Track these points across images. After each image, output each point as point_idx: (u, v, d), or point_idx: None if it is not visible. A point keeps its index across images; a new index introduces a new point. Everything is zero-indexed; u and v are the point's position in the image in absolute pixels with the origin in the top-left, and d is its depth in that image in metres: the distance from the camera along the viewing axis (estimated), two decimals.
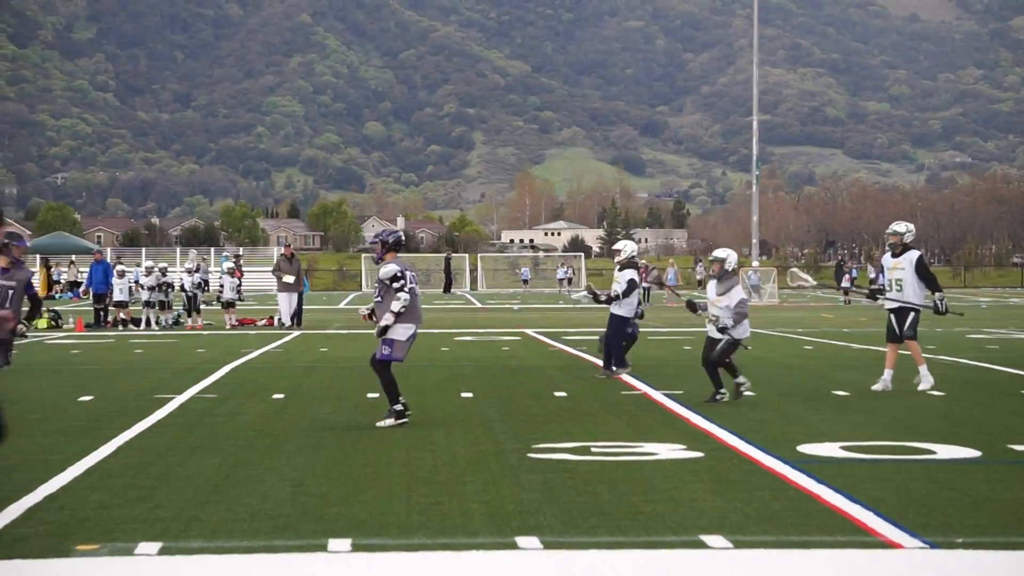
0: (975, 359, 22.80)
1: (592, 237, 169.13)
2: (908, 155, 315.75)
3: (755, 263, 69.59)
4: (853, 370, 20.96)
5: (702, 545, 7.93)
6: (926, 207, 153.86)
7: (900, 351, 17.78)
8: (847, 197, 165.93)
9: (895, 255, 17.61)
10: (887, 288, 17.76)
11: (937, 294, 17.30)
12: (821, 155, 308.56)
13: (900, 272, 17.52)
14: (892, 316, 17.70)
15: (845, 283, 66.90)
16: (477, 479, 10.40)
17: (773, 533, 8.28)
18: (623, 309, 19.73)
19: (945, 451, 11.79)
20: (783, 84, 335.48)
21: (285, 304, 35.72)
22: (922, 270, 17.31)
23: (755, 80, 71.19)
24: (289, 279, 35.56)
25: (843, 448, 11.96)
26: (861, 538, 8.13)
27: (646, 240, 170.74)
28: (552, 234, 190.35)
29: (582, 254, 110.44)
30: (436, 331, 32.24)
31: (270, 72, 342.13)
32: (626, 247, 19.92)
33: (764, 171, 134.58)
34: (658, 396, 16.60)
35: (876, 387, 17.47)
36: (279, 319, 36.00)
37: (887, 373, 17.59)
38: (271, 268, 39.04)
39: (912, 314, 17.49)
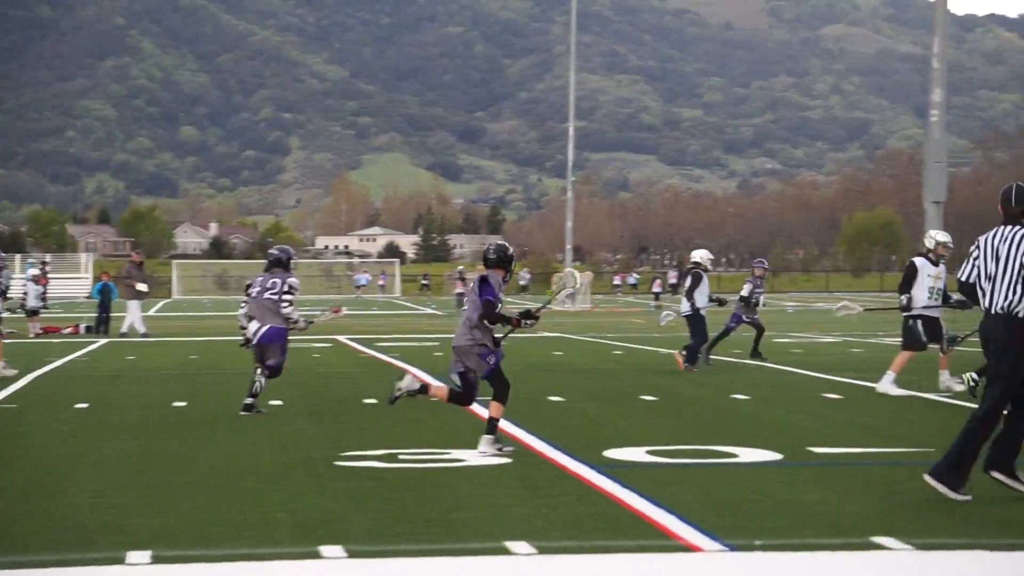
0: (780, 363, 23.25)
1: (407, 243, 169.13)
2: (721, 161, 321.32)
3: (568, 269, 70.08)
4: (662, 375, 21.26)
5: (506, 551, 7.95)
6: (736, 213, 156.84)
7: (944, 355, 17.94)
8: (660, 203, 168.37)
9: (936, 264, 17.71)
10: (930, 296, 17.65)
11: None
12: (636, 161, 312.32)
13: (941, 282, 17.68)
14: (920, 323, 17.66)
15: (656, 288, 67.97)
16: (283, 488, 10.30)
17: (577, 538, 8.34)
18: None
19: (747, 454, 12.00)
20: (600, 91, 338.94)
21: (137, 312, 35.04)
22: None
23: (572, 86, 71.74)
24: (143, 287, 35.07)
25: (649, 452, 12.09)
26: (662, 542, 8.22)
27: (462, 246, 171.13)
28: (367, 240, 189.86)
29: (397, 260, 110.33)
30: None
31: (82, 75, 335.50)
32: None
33: (580, 177, 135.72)
34: None
35: (957, 386, 17.25)
36: (129, 326, 35.10)
37: (943, 375, 17.85)
38: (122, 275, 38.39)
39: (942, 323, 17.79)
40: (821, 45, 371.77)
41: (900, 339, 18.07)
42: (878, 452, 12.30)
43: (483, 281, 12.29)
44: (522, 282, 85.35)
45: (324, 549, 8.01)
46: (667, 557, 7.84)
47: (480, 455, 11.95)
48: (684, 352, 22.03)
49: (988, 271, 9.85)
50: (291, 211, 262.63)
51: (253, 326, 15.79)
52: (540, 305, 13.60)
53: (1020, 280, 9.66)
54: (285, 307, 15.64)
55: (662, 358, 25.32)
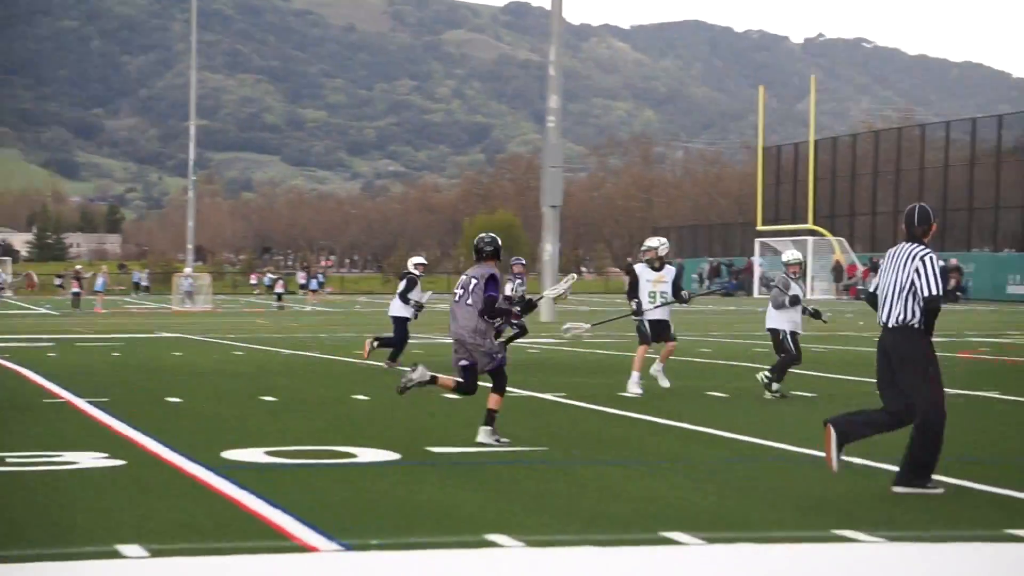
0: (407, 363, 23.36)
1: (20, 241, 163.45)
2: (344, 163, 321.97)
3: (188, 269, 69.15)
4: (282, 375, 21.16)
5: (118, 555, 7.73)
6: (360, 214, 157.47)
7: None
8: (284, 204, 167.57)
9: (657, 269, 18.14)
10: (651, 300, 18.11)
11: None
12: (260, 161, 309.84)
13: (663, 285, 18.12)
14: (647, 323, 18.18)
15: (279, 288, 67.47)
16: None
17: (192, 540, 8.18)
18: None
19: (366, 454, 12.02)
20: (222, 90, 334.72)
21: None
22: None
23: (193, 85, 70.67)
24: None
25: (268, 453, 11.98)
26: (279, 543, 8.15)
27: (78, 245, 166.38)
28: None
29: (9, 259, 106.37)
30: None
31: None
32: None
33: (202, 176, 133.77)
34: (82, 404, 16.14)
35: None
36: None
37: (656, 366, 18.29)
38: None
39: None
40: (443, 49, 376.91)
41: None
42: (494, 451, 12.50)
43: (491, 278, 12.84)
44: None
45: None
46: (283, 558, 7.78)
47: (478, 445, 12.60)
48: (376, 342, 23.12)
49: (884, 286, 10.38)
50: None
51: None
52: (539, 296, 14.26)
53: (911, 295, 10.18)
54: None
55: (284, 358, 25.20)
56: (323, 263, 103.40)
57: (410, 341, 23.78)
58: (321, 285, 74.13)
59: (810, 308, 18.44)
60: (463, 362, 12.99)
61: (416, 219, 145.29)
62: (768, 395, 17.44)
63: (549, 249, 44.10)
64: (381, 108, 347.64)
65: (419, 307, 23.35)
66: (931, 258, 10.29)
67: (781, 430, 13.91)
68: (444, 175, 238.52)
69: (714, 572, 7.71)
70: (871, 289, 10.74)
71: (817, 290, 67.56)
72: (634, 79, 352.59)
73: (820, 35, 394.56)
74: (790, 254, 18.55)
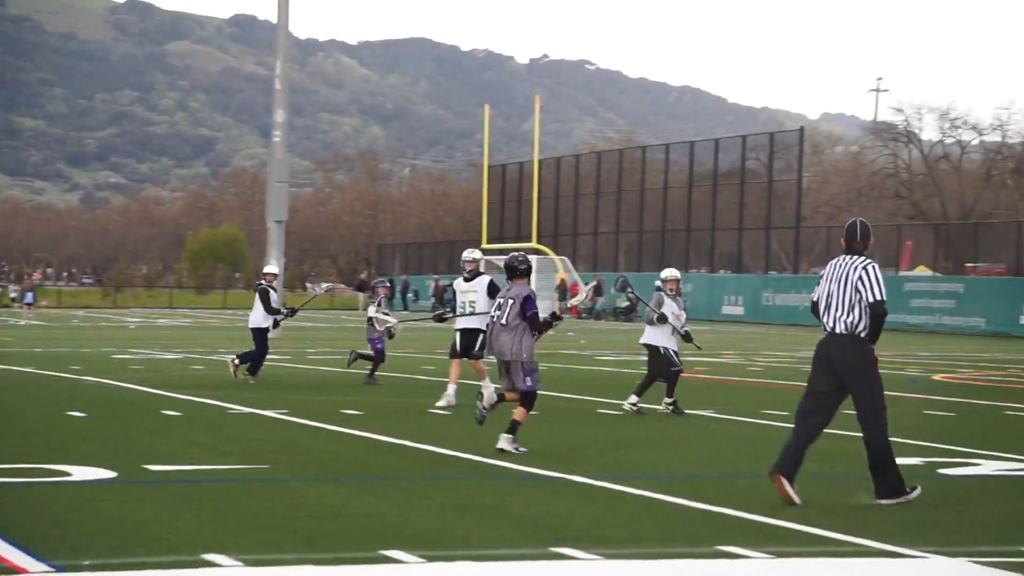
0: (119, 380, 22.90)
1: None
2: (63, 174, 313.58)
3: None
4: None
5: None
6: (79, 227, 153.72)
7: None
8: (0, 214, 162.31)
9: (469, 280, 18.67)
10: (462, 309, 18.68)
11: None
12: None
13: (472, 295, 18.54)
14: (458, 334, 18.80)
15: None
16: None
17: None
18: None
19: (81, 472, 11.74)
20: None
21: None
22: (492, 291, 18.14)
23: None
24: None
25: None
26: None
27: None
28: None
29: None
30: None
31: None
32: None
33: None
34: None
35: (440, 403, 18.36)
36: None
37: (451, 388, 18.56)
38: None
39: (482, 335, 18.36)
40: (167, 61, 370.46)
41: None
42: (212, 469, 12.35)
43: (527, 298, 13.79)
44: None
45: None
46: None
47: (498, 452, 13.32)
48: (237, 361, 22.72)
49: (828, 296, 10.96)
50: None
51: None
52: (565, 304, 14.39)
53: (858, 304, 10.78)
54: None
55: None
56: (35, 276, 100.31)
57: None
58: (35, 298, 72.02)
59: (682, 330, 18.70)
60: (505, 388, 13.90)
61: (138, 232, 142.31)
62: (641, 408, 18.12)
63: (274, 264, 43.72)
64: (102, 118, 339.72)
65: (286, 314, 23.70)
66: (875, 267, 10.94)
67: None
68: (167, 188, 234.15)
69: None
70: (813, 299, 11.22)
71: (541, 308, 68.55)
72: (361, 95, 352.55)
73: (544, 56, 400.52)
74: (668, 272, 18.95)
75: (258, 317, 23.10)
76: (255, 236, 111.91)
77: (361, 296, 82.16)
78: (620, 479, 11.89)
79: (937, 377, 25.07)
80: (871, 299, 10.80)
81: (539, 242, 72.26)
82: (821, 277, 11.25)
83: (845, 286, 10.91)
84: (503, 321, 13.78)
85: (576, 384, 22.79)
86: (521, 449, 13.52)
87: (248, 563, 8.12)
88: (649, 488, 11.39)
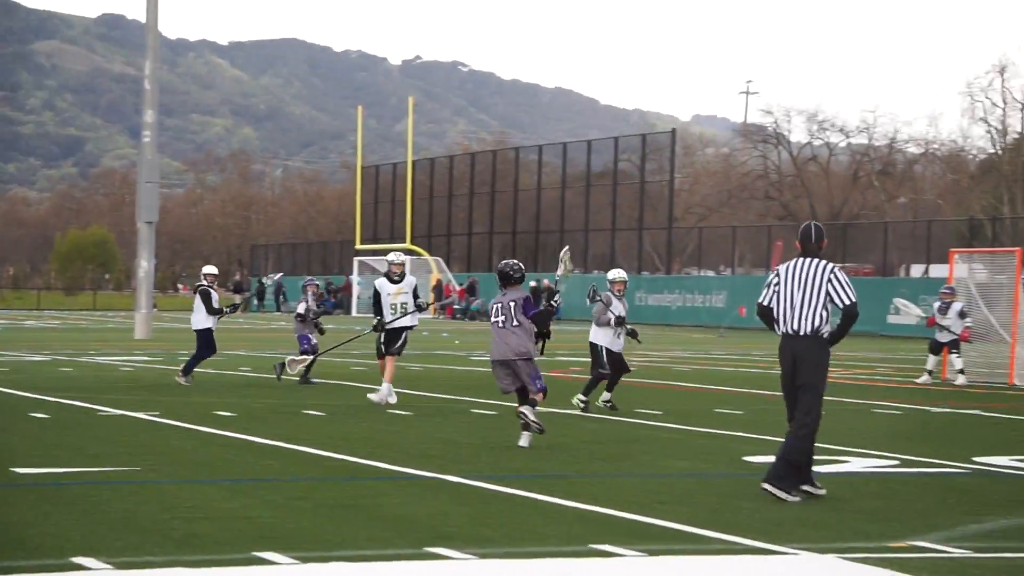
0: None
1: None
2: None
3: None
4: None
5: None
6: None
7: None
8: None
9: (395, 282, 19.30)
10: (393, 312, 19.20)
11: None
12: None
13: (403, 296, 19.26)
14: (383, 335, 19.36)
15: None
16: None
17: None
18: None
19: None
20: None
21: None
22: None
23: None
24: None
25: None
26: None
27: None
28: None
29: None
30: None
31: None
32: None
33: None
34: None
35: (373, 396, 18.92)
36: None
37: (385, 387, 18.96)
38: None
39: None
40: (33, 60, 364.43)
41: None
42: (82, 471, 12.16)
43: (527, 300, 14.32)
44: None
45: None
46: None
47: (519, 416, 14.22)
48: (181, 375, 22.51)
49: (790, 298, 11.19)
50: None
51: None
52: (556, 292, 15.35)
53: (823, 306, 11.10)
54: None
55: None
56: None
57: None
58: None
59: (627, 327, 18.82)
60: (513, 387, 14.36)
61: (4, 233, 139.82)
62: (577, 403, 18.51)
63: (144, 266, 43.19)
64: None
65: (228, 311, 23.84)
66: (841, 270, 11.37)
67: (375, 448, 14.04)
68: (35, 188, 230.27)
69: None
70: (764, 302, 11.41)
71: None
72: (233, 95, 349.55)
73: (418, 57, 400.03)
74: (615, 272, 19.12)
75: (200, 318, 23.07)
76: (125, 237, 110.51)
77: (237, 297, 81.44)
78: (494, 479, 11.91)
79: None
80: (846, 302, 11.14)
81: (413, 243, 72.19)
82: (770, 280, 11.47)
83: (811, 288, 11.17)
84: (514, 323, 14.28)
85: (451, 384, 22.78)
86: (535, 423, 14.13)
87: (118, 566, 8.01)
88: (523, 487, 11.42)
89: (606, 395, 18.61)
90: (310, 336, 23.29)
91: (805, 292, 11.17)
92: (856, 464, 13.41)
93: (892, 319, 46.62)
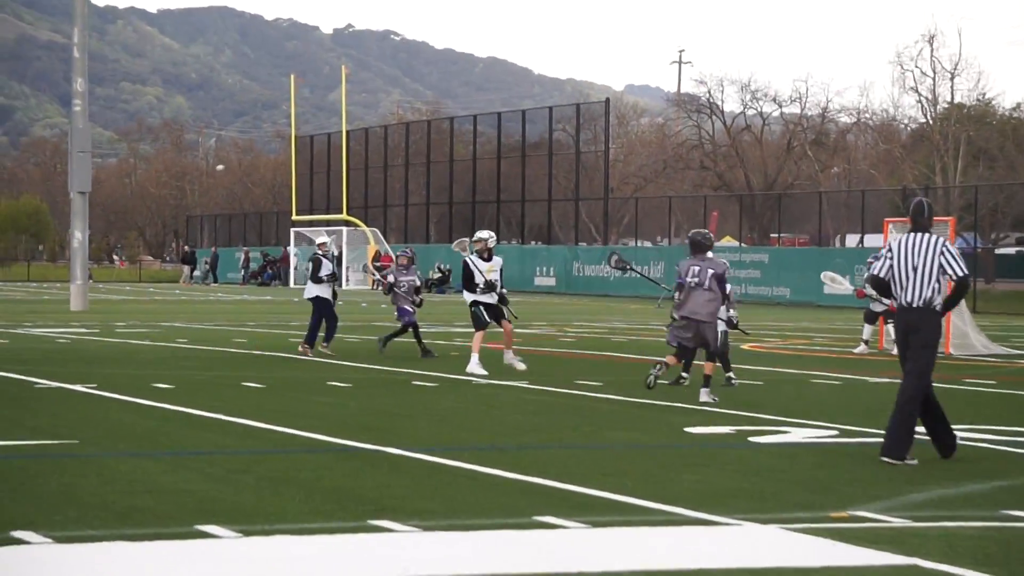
0: None
1: None
2: None
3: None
4: None
5: None
6: None
7: None
8: None
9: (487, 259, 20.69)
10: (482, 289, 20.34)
11: None
12: None
13: (494, 274, 20.48)
14: (482, 308, 20.41)
15: None
16: None
17: None
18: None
19: None
20: None
21: None
22: None
23: None
24: None
25: None
26: None
27: None
28: None
29: None
30: None
31: None
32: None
33: None
34: None
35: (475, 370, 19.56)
36: None
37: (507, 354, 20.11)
38: None
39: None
40: None
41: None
42: (20, 444, 12.06)
43: (723, 276, 16.29)
44: None
45: None
46: None
47: (702, 405, 15.49)
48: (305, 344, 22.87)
49: (904, 271, 11.78)
50: None
51: None
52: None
53: (936, 279, 11.69)
54: None
55: None
56: None
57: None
58: None
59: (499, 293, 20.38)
60: (691, 344, 16.41)
61: None
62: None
63: (79, 236, 42.77)
64: None
65: (334, 279, 23.51)
66: (952, 244, 12.21)
67: (315, 421, 13.99)
68: None
69: (248, 564, 7.66)
70: (881, 273, 11.97)
71: (352, 280, 68.11)
72: (164, 64, 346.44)
73: (350, 26, 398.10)
74: (480, 232, 21.04)
75: (311, 287, 23.32)
76: (58, 207, 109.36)
77: (186, 268, 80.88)
78: (436, 451, 11.90)
79: (745, 346, 25.54)
80: (959, 274, 11.79)
81: (349, 214, 71.90)
82: (883, 253, 12.07)
83: (925, 262, 11.75)
84: (705, 285, 15.84)
85: (391, 357, 22.73)
86: (716, 399, 15.76)
87: (59, 540, 7.95)
88: (465, 459, 11.42)
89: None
90: (407, 308, 23.31)
91: (919, 266, 11.78)
92: (795, 434, 13.49)
93: (828, 289, 46.97)
